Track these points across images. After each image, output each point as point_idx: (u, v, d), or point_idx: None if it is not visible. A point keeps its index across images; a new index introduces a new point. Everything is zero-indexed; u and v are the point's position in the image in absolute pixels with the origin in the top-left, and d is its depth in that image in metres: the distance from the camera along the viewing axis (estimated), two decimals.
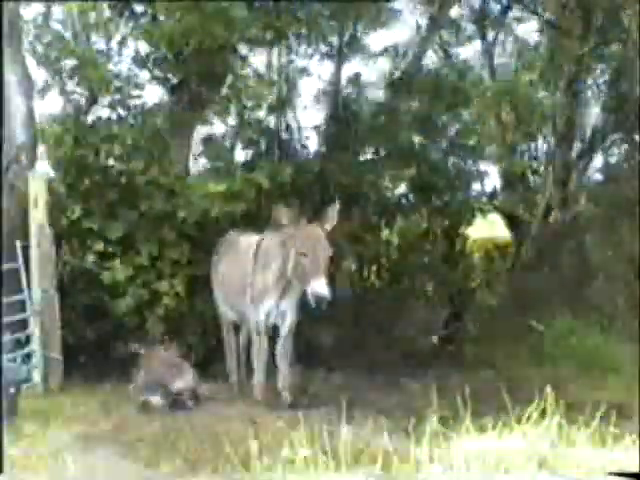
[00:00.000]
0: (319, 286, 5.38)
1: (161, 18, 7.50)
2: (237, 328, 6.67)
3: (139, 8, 7.89)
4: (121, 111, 7.64)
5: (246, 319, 6.27)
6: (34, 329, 6.26)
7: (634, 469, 3.43)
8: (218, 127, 8.66)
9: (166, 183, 7.12)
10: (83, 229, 6.94)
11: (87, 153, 7.09)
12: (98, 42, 8.19)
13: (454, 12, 10.31)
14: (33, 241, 6.31)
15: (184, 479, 4.07)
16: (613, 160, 11.01)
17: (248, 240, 6.38)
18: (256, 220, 7.10)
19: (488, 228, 10.14)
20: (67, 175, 7.11)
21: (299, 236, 5.61)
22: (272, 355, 6.07)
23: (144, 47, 7.84)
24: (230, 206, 7.09)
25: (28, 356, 6.21)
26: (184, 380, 5.83)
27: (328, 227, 5.72)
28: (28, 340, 6.27)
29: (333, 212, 5.75)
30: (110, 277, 6.75)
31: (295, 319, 6.05)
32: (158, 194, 7.05)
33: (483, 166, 9.48)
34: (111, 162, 7.32)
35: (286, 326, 6.03)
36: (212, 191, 7.08)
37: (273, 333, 6.10)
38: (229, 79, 7.91)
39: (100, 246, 6.91)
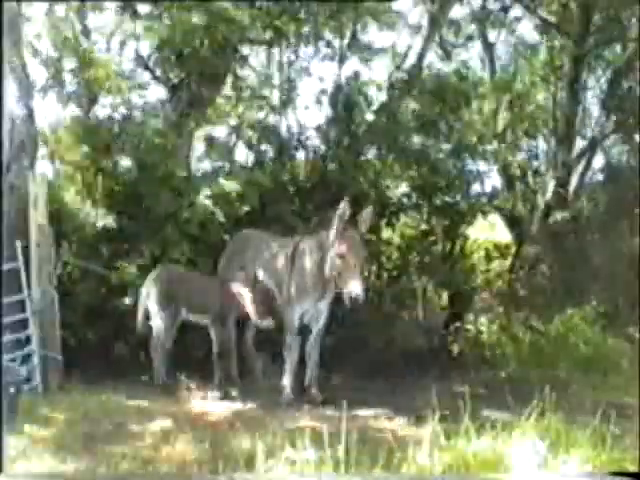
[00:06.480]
0: (355, 287, 5.60)
1: (164, 19, 7.51)
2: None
3: (141, 8, 7.90)
4: (123, 110, 7.64)
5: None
6: (34, 329, 6.25)
7: (634, 469, 3.44)
8: (219, 127, 8.68)
9: (173, 182, 7.12)
10: (91, 228, 6.94)
11: (96, 151, 7.09)
12: (99, 42, 8.22)
13: (454, 12, 10.31)
14: (33, 241, 6.30)
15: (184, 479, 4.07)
16: (613, 160, 11.01)
17: (282, 242, 6.47)
18: (258, 220, 7.11)
19: (488, 228, 10.12)
20: (76, 174, 7.11)
21: (338, 239, 5.77)
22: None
23: (145, 47, 7.87)
24: (233, 207, 7.10)
25: (28, 356, 6.20)
26: None
27: (364, 229, 5.97)
28: (28, 340, 6.26)
29: (368, 215, 6.00)
30: (118, 277, 6.73)
31: (327, 319, 6.27)
32: (164, 193, 7.04)
33: (483, 166, 9.45)
34: (116, 161, 7.32)
35: (320, 326, 6.26)
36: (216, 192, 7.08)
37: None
38: (229, 79, 7.91)
39: (107, 246, 6.91)
